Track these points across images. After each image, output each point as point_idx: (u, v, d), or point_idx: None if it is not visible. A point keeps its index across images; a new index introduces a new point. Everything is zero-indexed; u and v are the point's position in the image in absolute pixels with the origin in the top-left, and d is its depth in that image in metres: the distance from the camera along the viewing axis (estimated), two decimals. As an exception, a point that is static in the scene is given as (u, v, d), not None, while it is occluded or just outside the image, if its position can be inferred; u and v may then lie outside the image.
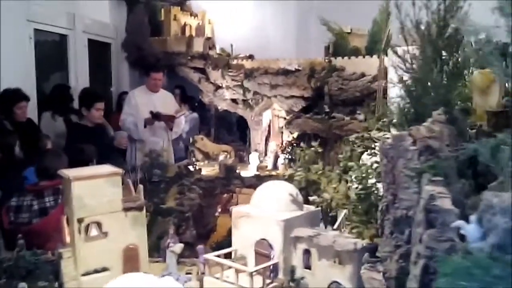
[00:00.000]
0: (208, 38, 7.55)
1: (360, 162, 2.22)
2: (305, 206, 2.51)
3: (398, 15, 1.73)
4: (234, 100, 6.80)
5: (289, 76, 5.97)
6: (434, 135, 1.48)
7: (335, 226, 2.64)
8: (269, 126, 6.72)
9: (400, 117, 1.76)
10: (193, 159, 6.20)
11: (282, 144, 6.27)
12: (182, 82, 7.78)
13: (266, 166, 6.17)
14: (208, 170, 5.81)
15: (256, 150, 6.45)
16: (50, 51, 6.66)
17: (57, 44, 6.71)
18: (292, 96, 6.01)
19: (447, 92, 1.70)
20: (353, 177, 2.13)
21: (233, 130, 7.77)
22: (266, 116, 6.66)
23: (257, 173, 5.68)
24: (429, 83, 1.69)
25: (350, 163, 2.21)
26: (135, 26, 7.74)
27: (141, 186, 2.70)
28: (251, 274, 2.22)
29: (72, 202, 2.46)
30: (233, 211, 2.50)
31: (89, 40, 7.12)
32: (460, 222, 1.19)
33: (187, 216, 4.13)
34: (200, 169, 5.56)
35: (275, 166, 6.12)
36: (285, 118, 6.20)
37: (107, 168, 2.64)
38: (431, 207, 1.31)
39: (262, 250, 2.38)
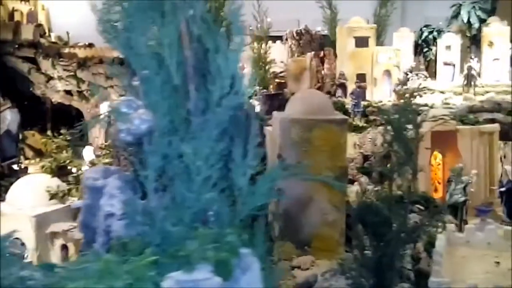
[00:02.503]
0: (39, 25, 6.99)
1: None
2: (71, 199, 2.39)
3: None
4: (68, 92, 6.39)
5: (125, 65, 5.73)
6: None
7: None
8: (110, 118, 6.42)
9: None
10: (21, 157, 5.71)
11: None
12: (13, 73, 7.10)
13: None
14: (38, 168, 5.40)
15: (90, 144, 6.14)
16: None
17: None
18: (130, 87, 5.79)
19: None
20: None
21: (73, 124, 7.28)
22: (105, 108, 6.36)
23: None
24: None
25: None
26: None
27: None
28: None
29: None
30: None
31: None
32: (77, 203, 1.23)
33: (-1, 220, 3.78)
34: (26, 168, 5.14)
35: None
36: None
37: None
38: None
39: (14, 250, 2.21)
